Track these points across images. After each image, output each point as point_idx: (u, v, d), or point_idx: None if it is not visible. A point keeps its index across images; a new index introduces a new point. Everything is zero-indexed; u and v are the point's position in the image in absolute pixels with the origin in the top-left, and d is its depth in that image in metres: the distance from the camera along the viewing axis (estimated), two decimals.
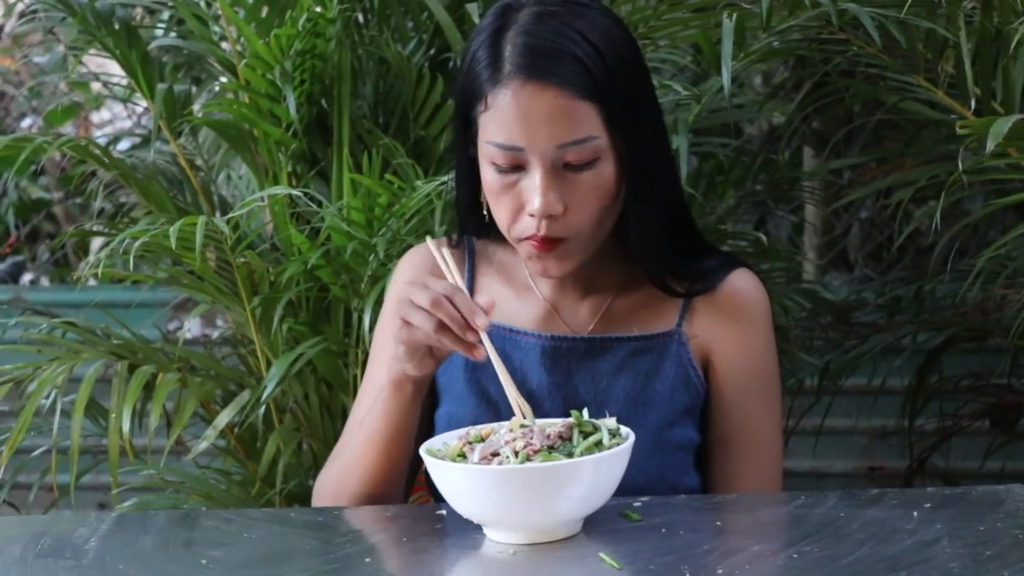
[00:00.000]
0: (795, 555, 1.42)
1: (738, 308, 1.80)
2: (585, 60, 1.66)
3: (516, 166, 1.69)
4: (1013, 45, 2.05)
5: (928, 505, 1.55)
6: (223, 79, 2.56)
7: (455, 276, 1.68)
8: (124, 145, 3.40)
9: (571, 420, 1.56)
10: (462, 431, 1.60)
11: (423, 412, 1.79)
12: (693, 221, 1.86)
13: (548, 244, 1.70)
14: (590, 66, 1.66)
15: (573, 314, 1.83)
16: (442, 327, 1.60)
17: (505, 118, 1.67)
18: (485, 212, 1.78)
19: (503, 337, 1.82)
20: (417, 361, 1.67)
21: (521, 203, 1.70)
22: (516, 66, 1.66)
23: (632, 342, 1.79)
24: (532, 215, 1.69)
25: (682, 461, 1.78)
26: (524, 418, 1.59)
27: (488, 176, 1.72)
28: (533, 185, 1.68)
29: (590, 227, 1.71)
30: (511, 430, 1.56)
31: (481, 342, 1.60)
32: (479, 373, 1.81)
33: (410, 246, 2.21)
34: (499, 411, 1.77)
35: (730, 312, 1.80)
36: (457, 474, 1.50)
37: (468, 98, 1.72)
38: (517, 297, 1.85)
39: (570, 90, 1.65)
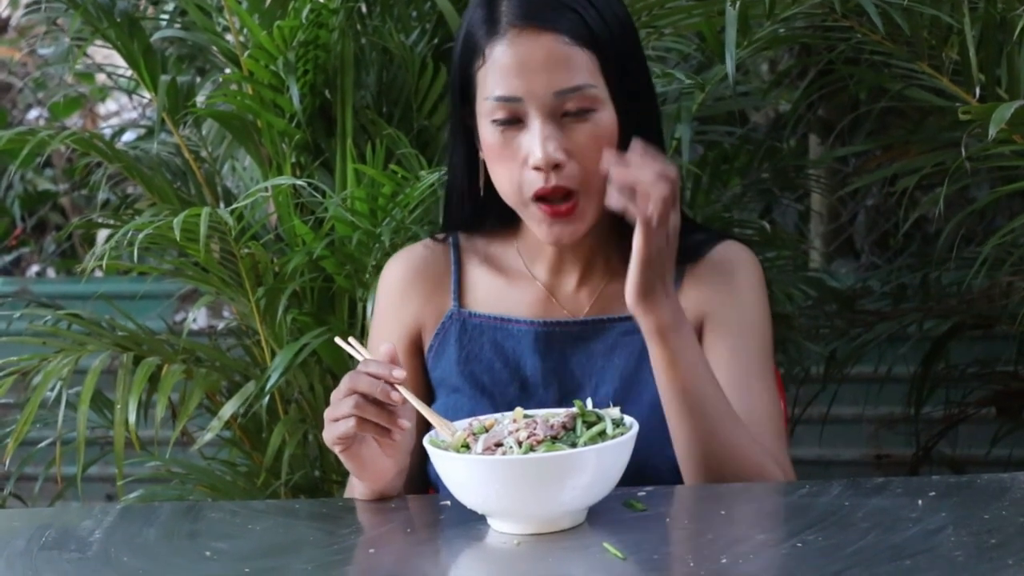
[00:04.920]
0: (799, 544, 1.41)
1: (727, 272, 1.80)
2: (581, 11, 1.69)
3: (515, 118, 1.70)
4: (1017, 31, 2.05)
5: (933, 493, 1.54)
6: (226, 70, 2.56)
7: (365, 354, 1.65)
8: (130, 136, 3.40)
9: (574, 410, 1.55)
10: (465, 422, 1.60)
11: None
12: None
13: (559, 207, 1.69)
14: (586, 16, 1.69)
15: (570, 298, 1.83)
16: (364, 402, 1.58)
17: (502, 68, 1.69)
18: (482, 184, 1.79)
19: (494, 327, 1.83)
20: (359, 461, 1.64)
21: (522, 158, 1.70)
22: (513, 15, 1.70)
23: (625, 322, 1.80)
24: (536, 167, 1.69)
25: None
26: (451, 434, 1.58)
27: (487, 136, 1.73)
28: (533, 136, 1.69)
29: (596, 177, 1.68)
30: (515, 420, 1.56)
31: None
32: (472, 365, 1.82)
33: (415, 235, 2.22)
34: (494, 399, 1.78)
35: (720, 276, 1.80)
36: (461, 465, 1.50)
37: (466, 59, 1.74)
38: (511, 285, 1.85)
39: (567, 37, 1.68)
